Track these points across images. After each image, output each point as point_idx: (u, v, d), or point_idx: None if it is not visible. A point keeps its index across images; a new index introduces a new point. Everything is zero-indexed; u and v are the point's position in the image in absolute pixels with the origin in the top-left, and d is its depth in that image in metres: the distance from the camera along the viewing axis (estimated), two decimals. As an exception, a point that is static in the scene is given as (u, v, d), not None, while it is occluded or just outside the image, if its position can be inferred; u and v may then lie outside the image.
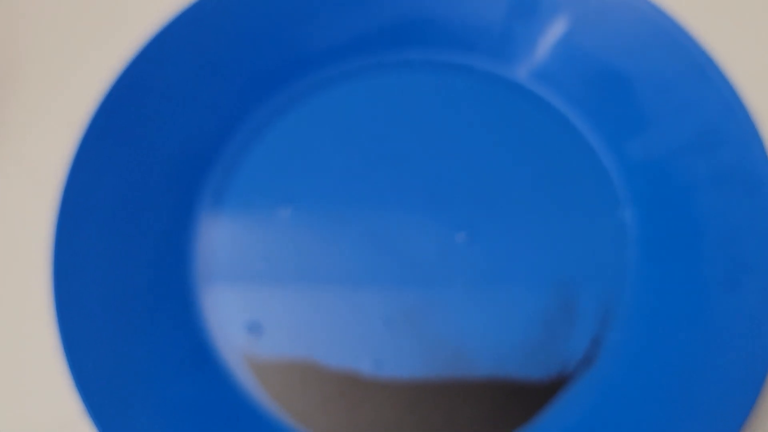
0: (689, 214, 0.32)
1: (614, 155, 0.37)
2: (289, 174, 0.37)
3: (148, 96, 0.35)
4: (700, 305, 0.30)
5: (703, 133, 0.32)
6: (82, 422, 0.31)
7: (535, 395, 0.34)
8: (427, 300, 0.34)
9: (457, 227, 0.35)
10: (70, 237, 0.33)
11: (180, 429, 0.32)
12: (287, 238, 0.37)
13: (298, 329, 0.35)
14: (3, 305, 0.33)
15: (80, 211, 0.33)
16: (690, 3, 0.37)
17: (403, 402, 0.34)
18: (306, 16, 0.40)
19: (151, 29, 0.36)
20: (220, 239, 0.38)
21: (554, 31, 0.39)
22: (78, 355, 0.31)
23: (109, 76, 0.35)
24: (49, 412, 0.31)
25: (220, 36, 0.37)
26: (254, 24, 0.38)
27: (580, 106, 0.38)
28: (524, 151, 0.37)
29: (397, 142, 0.37)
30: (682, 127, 0.33)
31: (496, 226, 0.35)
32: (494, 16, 0.40)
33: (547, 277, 0.34)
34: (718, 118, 0.32)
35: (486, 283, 0.34)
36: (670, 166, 0.34)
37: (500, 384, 0.34)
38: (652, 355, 0.33)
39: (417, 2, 0.38)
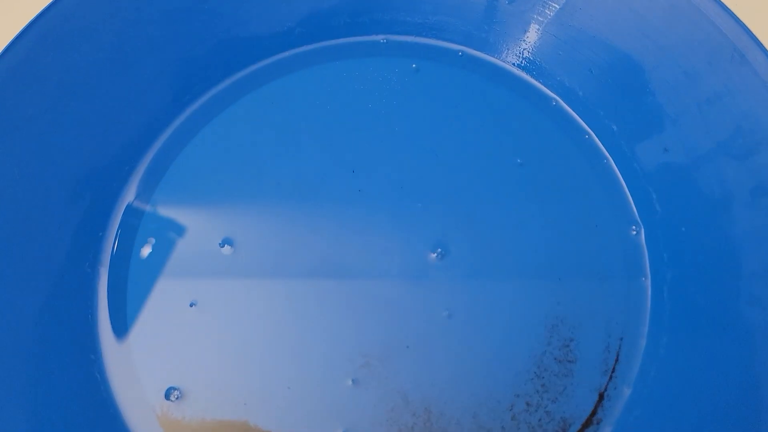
0: (722, 235, 0.25)
1: (626, 160, 0.31)
2: (227, 187, 0.31)
3: (35, 89, 0.27)
4: (740, 357, 0.23)
5: (740, 132, 0.25)
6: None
7: (526, 466, 0.26)
8: (394, 348, 0.28)
9: (431, 245, 0.30)
10: None
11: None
12: (220, 275, 0.30)
13: (229, 394, 0.28)
14: None
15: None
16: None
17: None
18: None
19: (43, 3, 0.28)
20: (136, 278, 0.30)
21: (548, 7, 0.32)
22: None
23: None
24: None
25: (135, 10, 0.31)
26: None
27: (581, 99, 0.33)
28: (514, 154, 0.32)
29: (357, 140, 0.32)
30: (712, 126, 0.26)
31: (477, 243, 0.30)
32: (475, -11, 0.33)
33: (540, 313, 0.28)
34: (758, 113, 0.24)
35: (463, 321, 0.28)
36: (696, 174, 0.27)
37: (482, 452, 0.27)
38: (676, 419, 0.25)
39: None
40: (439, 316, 0.29)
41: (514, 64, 0.34)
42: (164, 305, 0.29)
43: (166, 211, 0.31)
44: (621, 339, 0.28)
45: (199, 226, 0.31)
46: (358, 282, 0.29)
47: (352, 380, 0.28)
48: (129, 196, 0.31)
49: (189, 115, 0.33)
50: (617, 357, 0.28)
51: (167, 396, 0.28)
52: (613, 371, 0.28)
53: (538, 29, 0.32)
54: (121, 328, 0.29)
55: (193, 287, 0.29)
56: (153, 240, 0.31)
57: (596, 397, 0.27)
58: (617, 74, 0.31)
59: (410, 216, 0.30)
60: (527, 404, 0.27)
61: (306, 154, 0.32)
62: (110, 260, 0.30)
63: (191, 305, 0.29)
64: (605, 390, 0.28)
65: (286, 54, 0.34)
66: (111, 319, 0.29)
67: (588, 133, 0.32)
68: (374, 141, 0.32)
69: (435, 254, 0.29)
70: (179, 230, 0.31)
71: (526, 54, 0.33)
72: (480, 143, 0.32)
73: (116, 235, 0.31)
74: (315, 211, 0.30)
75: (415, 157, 0.32)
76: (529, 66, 0.33)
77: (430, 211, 0.30)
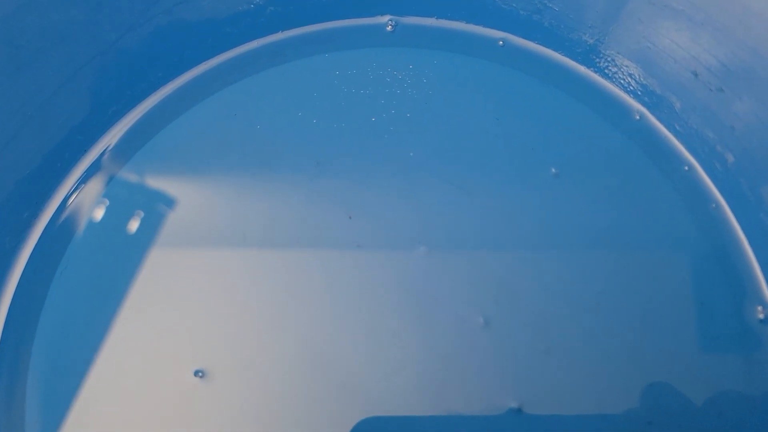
0: None
1: (747, 208, 0.24)
2: (167, 253, 0.24)
3: None
4: None
5: None
6: None
7: None
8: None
9: (475, 312, 0.24)
10: None
11: None
12: (188, 410, 0.23)
13: None
14: None
15: None
16: None
17: None
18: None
19: None
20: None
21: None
22: None
23: None
24: None
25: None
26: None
27: (678, 114, 0.25)
28: (577, 190, 0.25)
29: (355, 169, 0.26)
30: None
31: (527, 317, 0.24)
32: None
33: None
34: None
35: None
36: None
37: None
38: None
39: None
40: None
41: (578, 59, 0.27)
42: None
43: (85, 302, 0.24)
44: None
45: (122, 330, 0.23)
46: (355, 391, 0.22)
47: None
48: (25, 258, 0.24)
49: (118, 135, 0.26)
50: None
51: None
52: None
53: (616, 9, 0.25)
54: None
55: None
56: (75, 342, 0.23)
57: None
58: (736, 79, 0.23)
59: (430, 281, 0.24)
60: None
61: (282, 189, 0.26)
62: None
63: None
64: None
65: (254, 45, 0.28)
66: None
67: (689, 164, 0.26)
68: (378, 170, 0.26)
69: (479, 320, 0.23)
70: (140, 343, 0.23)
71: (596, 46, 0.26)
72: (529, 174, 0.25)
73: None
74: (293, 277, 0.24)
75: (435, 194, 0.25)
76: (601, 63, 0.27)
77: (459, 271, 0.24)
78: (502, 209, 0.25)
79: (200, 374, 0.22)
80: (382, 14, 0.28)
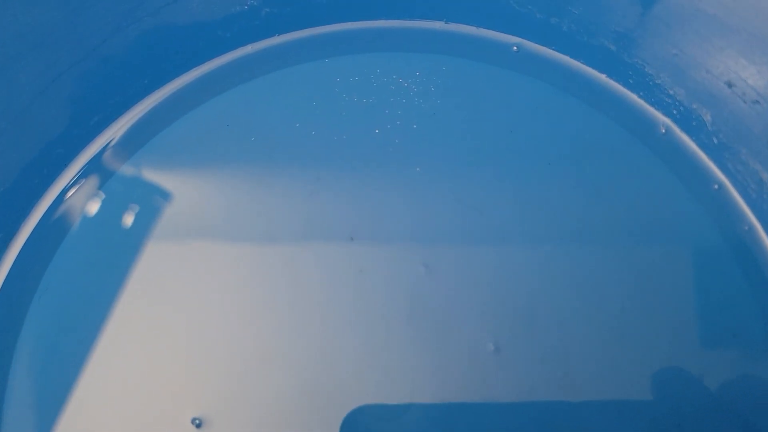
0: None
1: None
2: (154, 275, 0.24)
3: None
4: None
5: None
6: None
7: None
8: None
9: (485, 335, 0.23)
10: None
11: None
12: None
13: None
14: None
15: None
16: None
17: None
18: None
19: None
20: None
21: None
22: None
23: None
24: None
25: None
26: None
27: (708, 128, 0.25)
28: (598, 210, 0.24)
29: (357, 184, 0.25)
30: None
31: (540, 342, 0.23)
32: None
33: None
34: None
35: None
36: None
37: None
38: None
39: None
40: None
41: (599, 67, 0.26)
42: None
43: (75, 301, 0.23)
44: None
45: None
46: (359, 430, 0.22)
47: None
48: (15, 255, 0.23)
49: (99, 147, 0.25)
50: None
51: None
52: None
53: (642, 13, 0.23)
54: None
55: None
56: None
57: None
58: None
59: (437, 306, 0.23)
60: None
61: (278, 207, 0.25)
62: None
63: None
64: None
65: (248, 50, 0.27)
66: None
67: (719, 182, 0.24)
68: (383, 187, 0.25)
69: (489, 345, 0.23)
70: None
71: (619, 52, 0.25)
72: (546, 191, 0.24)
73: None
74: (290, 305, 0.23)
75: (444, 212, 0.24)
76: (624, 71, 0.26)
77: (468, 294, 0.23)
78: (515, 229, 0.24)
79: (198, 412, 0.21)
80: (387, 17, 0.26)
